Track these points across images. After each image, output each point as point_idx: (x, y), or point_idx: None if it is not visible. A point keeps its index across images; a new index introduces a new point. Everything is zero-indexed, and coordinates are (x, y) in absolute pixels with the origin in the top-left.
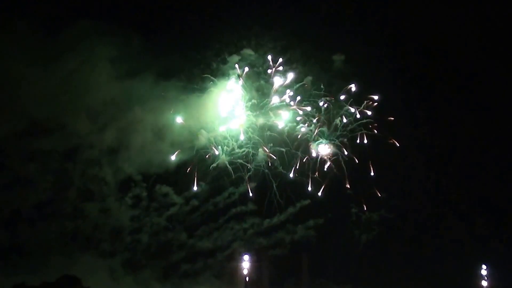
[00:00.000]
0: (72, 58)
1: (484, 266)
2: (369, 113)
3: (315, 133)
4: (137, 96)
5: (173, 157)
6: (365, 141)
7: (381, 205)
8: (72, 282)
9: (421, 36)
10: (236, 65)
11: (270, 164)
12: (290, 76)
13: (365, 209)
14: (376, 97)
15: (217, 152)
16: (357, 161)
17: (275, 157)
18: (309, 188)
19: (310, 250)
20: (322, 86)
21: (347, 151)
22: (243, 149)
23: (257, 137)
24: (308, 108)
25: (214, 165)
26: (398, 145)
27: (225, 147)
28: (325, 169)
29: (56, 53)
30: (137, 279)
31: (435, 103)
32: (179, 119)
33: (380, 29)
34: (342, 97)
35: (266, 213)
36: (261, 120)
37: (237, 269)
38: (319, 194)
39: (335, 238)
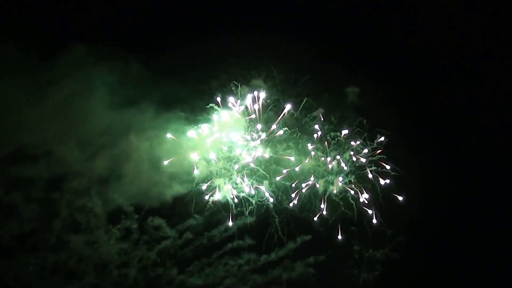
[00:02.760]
0: (65, 83)
1: None
2: (379, 150)
3: (323, 169)
4: (135, 125)
5: (170, 190)
6: (373, 177)
7: (386, 243)
8: None
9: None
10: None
11: (274, 199)
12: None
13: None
14: (387, 133)
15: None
16: (365, 196)
17: (280, 192)
18: (314, 224)
19: None
20: (333, 119)
21: (355, 186)
22: (247, 183)
23: (262, 171)
24: None
25: (214, 198)
26: (407, 180)
27: (227, 180)
28: (330, 205)
29: (48, 77)
30: None
31: (449, 139)
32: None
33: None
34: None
35: (265, 248)
36: (268, 153)
37: None
38: (323, 229)
39: (334, 277)
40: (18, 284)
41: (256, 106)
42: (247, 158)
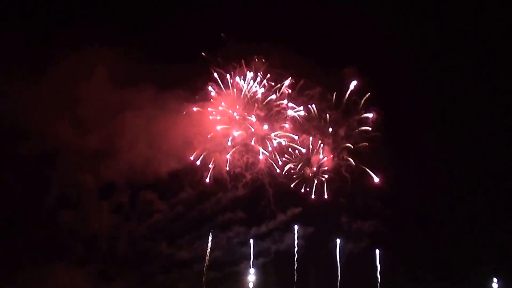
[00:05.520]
0: (65, 64)
1: (495, 280)
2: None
3: (318, 144)
4: (135, 104)
5: (165, 166)
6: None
7: (374, 215)
8: None
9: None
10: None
11: (270, 173)
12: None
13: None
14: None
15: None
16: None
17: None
18: (311, 196)
19: (295, 260)
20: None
21: (348, 161)
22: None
23: (259, 146)
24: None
25: (210, 173)
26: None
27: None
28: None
29: (48, 59)
30: None
31: (444, 116)
32: None
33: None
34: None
35: (255, 221)
36: (265, 130)
37: None
38: (314, 202)
39: (322, 249)
40: (10, 259)
41: (254, 86)
42: (243, 134)
